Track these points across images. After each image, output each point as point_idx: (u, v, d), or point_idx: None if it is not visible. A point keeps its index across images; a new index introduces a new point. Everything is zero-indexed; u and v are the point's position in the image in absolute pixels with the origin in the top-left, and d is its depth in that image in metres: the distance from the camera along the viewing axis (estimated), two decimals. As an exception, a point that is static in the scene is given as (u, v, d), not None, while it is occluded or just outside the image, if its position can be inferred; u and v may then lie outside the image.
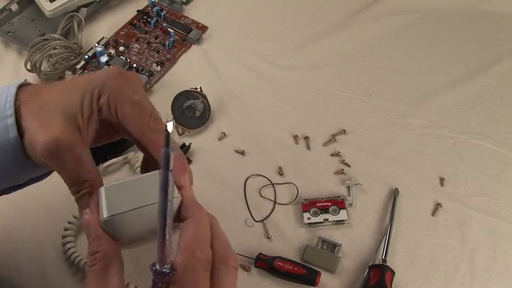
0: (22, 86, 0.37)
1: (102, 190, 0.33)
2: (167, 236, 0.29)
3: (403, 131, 0.67)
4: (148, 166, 0.40)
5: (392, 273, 0.53)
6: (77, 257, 0.53)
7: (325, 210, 0.58)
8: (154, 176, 0.33)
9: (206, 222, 0.33)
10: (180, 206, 0.34)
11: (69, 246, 0.54)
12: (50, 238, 0.56)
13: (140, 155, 0.60)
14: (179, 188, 0.34)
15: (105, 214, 0.32)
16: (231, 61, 0.73)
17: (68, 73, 0.68)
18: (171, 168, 0.28)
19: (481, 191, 0.62)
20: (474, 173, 0.63)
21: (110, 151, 0.60)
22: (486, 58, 0.75)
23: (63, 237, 0.54)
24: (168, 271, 0.30)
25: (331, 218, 0.58)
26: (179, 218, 0.34)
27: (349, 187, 0.61)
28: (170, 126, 0.28)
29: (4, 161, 0.36)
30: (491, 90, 0.72)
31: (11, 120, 0.35)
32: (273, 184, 0.61)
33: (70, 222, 0.55)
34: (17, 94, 0.36)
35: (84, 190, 0.34)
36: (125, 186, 0.33)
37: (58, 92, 0.36)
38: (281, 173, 0.62)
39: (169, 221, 0.29)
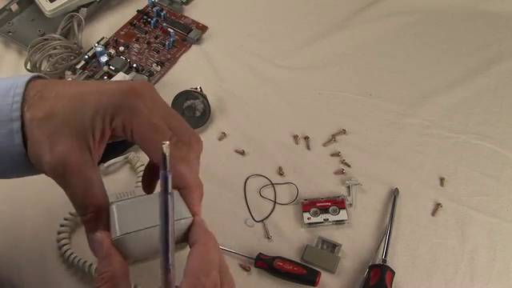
0: (30, 82, 0.35)
1: (114, 207, 0.32)
2: (171, 261, 0.29)
3: (403, 131, 0.67)
4: (150, 172, 0.39)
5: (392, 273, 0.53)
6: (72, 254, 0.53)
7: (325, 210, 0.58)
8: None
9: (214, 247, 0.33)
10: (189, 229, 0.33)
11: (63, 242, 0.54)
12: (50, 237, 0.56)
13: (141, 155, 0.60)
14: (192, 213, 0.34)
15: (118, 233, 0.32)
16: (231, 61, 0.73)
17: (68, 73, 0.68)
18: (170, 191, 0.27)
19: (481, 191, 0.62)
20: (474, 173, 0.63)
21: (111, 151, 0.60)
22: (485, 58, 0.75)
23: (58, 232, 0.55)
24: None
25: (331, 217, 0.58)
26: (188, 240, 0.33)
27: (349, 187, 0.61)
28: (167, 148, 0.27)
29: (7, 164, 0.35)
30: (491, 90, 0.72)
31: (17, 125, 0.33)
32: (273, 184, 0.61)
33: (65, 219, 0.55)
34: (24, 92, 0.34)
35: (91, 214, 0.33)
36: (136, 204, 0.33)
37: (67, 101, 0.33)
38: (281, 173, 0.62)
39: (171, 246, 0.28)
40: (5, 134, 0.33)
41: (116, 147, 0.60)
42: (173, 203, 0.28)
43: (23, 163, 0.35)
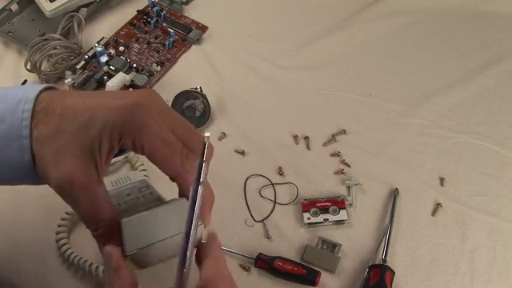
0: (39, 96, 0.34)
1: (126, 222, 0.33)
2: (188, 254, 0.29)
3: (403, 131, 0.67)
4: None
5: (392, 273, 0.53)
6: (72, 254, 0.53)
7: (325, 210, 0.58)
8: (174, 205, 0.33)
9: (225, 264, 0.33)
10: (198, 246, 0.34)
11: (62, 242, 0.54)
12: (50, 237, 0.56)
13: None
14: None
15: (131, 248, 0.32)
16: (231, 61, 0.73)
17: (68, 73, 0.68)
18: (202, 179, 0.28)
19: (481, 191, 0.62)
20: (474, 173, 0.63)
21: None
22: (485, 58, 0.75)
23: (57, 233, 0.55)
24: None
25: (331, 217, 0.58)
26: (199, 250, 0.34)
27: (349, 187, 0.61)
28: (207, 139, 0.28)
29: (19, 176, 0.35)
30: (491, 90, 0.72)
31: (26, 142, 0.33)
32: (273, 184, 0.61)
33: (63, 219, 0.55)
34: (33, 107, 0.33)
35: (101, 229, 0.33)
36: (147, 217, 0.33)
37: (72, 119, 0.33)
38: (281, 173, 0.62)
39: (193, 237, 0.29)
40: (16, 150, 0.33)
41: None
42: (202, 193, 0.28)
43: (34, 176, 0.35)
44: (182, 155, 0.34)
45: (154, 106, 0.34)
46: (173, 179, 0.36)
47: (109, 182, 0.39)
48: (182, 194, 0.35)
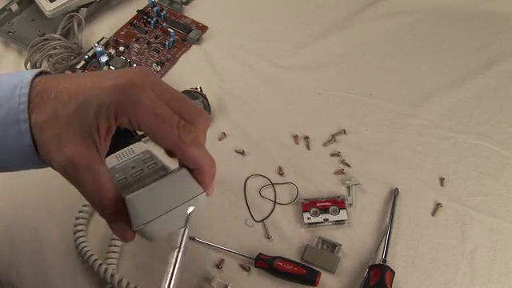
0: (34, 80, 0.35)
1: (129, 198, 0.33)
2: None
3: (403, 131, 0.67)
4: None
5: (392, 273, 0.53)
6: (86, 248, 0.53)
7: (325, 210, 0.58)
8: (177, 176, 0.34)
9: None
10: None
11: (79, 234, 0.55)
12: (50, 237, 0.56)
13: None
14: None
15: (137, 223, 0.33)
16: (231, 61, 0.73)
17: (68, 73, 0.68)
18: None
19: (481, 191, 0.62)
20: (474, 173, 0.63)
21: (114, 145, 0.60)
22: (485, 58, 0.75)
23: (75, 225, 0.55)
24: None
25: (331, 217, 0.58)
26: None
27: (349, 187, 0.61)
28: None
29: (21, 161, 0.36)
30: (491, 90, 0.72)
31: (25, 126, 0.33)
32: (273, 184, 0.61)
33: (80, 211, 0.56)
34: (29, 92, 0.34)
35: (107, 208, 0.34)
36: (151, 190, 0.33)
37: (67, 102, 0.33)
38: (281, 173, 0.62)
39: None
40: (14, 135, 0.34)
41: (118, 142, 0.60)
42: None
43: (36, 160, 0.35)
44: (178, 128, 0.34)
45: (148, 82, 0.34)
46: (171, 154, 0.37)
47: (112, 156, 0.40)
48: (182, 165, 0.36)
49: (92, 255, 0.53)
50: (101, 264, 0.52)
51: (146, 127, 0.34)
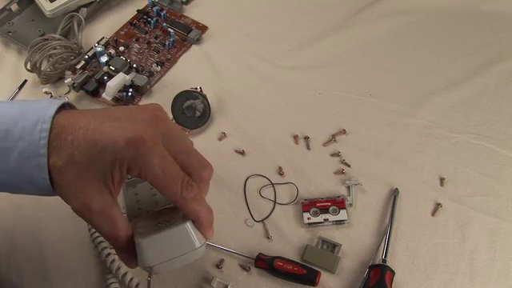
0: (55, 116, 0.36)
1: (140, 242, 0.37)
2: None
3: (403, 131, 0.67)
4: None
5: (392, 273, 0.53)
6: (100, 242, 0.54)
7: (325, 210, 0.58)
8: (183, 228, 0.38)
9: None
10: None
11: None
12: (50, 237, 0.56)
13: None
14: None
15: (142, 264, 0.38)
16: (231, 61, 0.73)
17: (68, 73, 0.68)
18: None
19: (481, 191, 0.62)
20: (473, 173, 0.63)
21: None
22: (485, 58, 0.75)
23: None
24: None
25: (331, 218, 0.58)
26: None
27: (349, 187, 0.61)
28: None
29: (37, 191, 0.38)
30: (491, 90, 0.72)
31: (44, 160, 0.35)
32: (273, 184, 0.61)
33: None
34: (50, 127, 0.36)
35: (119, 243, 0.38)
36: (158, 238, 0.37)
37: (83, 150, 0.35)
38: (281, 173, 0.62)
39: None
40: (34, 167, 0.36)
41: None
42: None
43: (51, 193, 0.38)
44: (182, 185, 0.37)
45: (160, 137, 0.37)
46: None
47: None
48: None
49: (102, 241, 0.53)
50: (109, 253, 0.52)
51: (154, 182, 0.37)
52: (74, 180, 0.35)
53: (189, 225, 0.38)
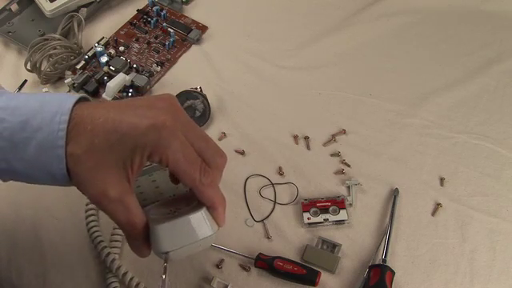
0: (74, 107, 0.37)
1: (156, 228, 0.38)
2: None
3: (403, 131, 0.67)
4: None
5: (392, 273, 0.53)
6: (98, 235, 0.54)
7: (325, 210, 0.58)
8: (198, 215, 0.38)
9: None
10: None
11: (92, 224, 0.55)
12: (50, 237, 0.56)
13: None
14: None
15: (157, 250, 0.38)
16: (231, 61, 0.73)
17: (68, 73, 0.68)
18: None
19: (481, 191, 0.62)
20: (473, 173, 0.63)
21: None
22: (485, 58, 0.75)
23: (86, 217, 0.56)
24: None
25: (331, 218, 0.58)
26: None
27: (349, 187, 0.61)
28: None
29: (53, 181, 0.37)
30: (491, 90, 0.72)
31: (62, 151, 0.35)
32: (273, 184, 0.61)
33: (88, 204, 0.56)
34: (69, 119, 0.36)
35: (134, 232, 0.38)
36: (174, 225, 0.38)
37: (103, 138, 0.35)
38: (281, 173, 0.62)
39: None
40: (52, 158, 0.36)
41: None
42: None
43: (67, 183, 0.37)
44: (200, 172, 0.38)
45: (179, 124, 0.37)
46: (176, 181, 0.43)
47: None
48: (200, 200, 0.40)
49: (102, 240, 0.54)
50: (109, 253, 0.52)
51: (174, 167, 0.37)
52: (92, 167, 0.35)
53: (203, 212, 0.39)
